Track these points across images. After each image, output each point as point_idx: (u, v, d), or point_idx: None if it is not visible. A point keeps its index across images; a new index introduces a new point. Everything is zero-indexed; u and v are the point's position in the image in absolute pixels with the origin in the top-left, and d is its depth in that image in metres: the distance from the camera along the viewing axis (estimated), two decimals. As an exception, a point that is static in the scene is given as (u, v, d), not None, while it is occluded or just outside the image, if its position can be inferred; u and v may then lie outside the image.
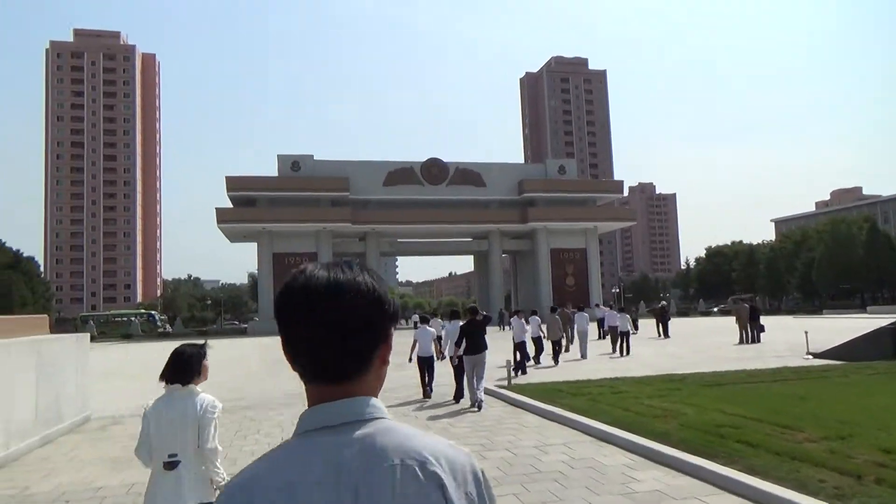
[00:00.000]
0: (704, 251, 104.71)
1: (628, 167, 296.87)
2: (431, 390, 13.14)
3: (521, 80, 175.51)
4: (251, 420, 11.12)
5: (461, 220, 68.81)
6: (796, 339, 24.88)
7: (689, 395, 10.99)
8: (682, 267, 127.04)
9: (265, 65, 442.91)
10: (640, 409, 9.88)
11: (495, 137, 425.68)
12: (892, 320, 16.58)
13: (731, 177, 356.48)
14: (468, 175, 70.29)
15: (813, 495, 5.40)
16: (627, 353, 21.06)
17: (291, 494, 0.96)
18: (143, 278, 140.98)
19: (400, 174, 68.76)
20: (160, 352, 33.30)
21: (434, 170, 69.40)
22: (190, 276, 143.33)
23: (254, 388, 15.87)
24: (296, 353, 1.07)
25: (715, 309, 76.89)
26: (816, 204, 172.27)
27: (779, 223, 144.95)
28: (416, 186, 68.69)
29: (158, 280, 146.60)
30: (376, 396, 1.08)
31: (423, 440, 1.02)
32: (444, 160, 70.07)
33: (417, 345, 13.41)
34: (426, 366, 13.04)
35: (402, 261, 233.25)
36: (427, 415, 11.54)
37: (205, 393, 3.68)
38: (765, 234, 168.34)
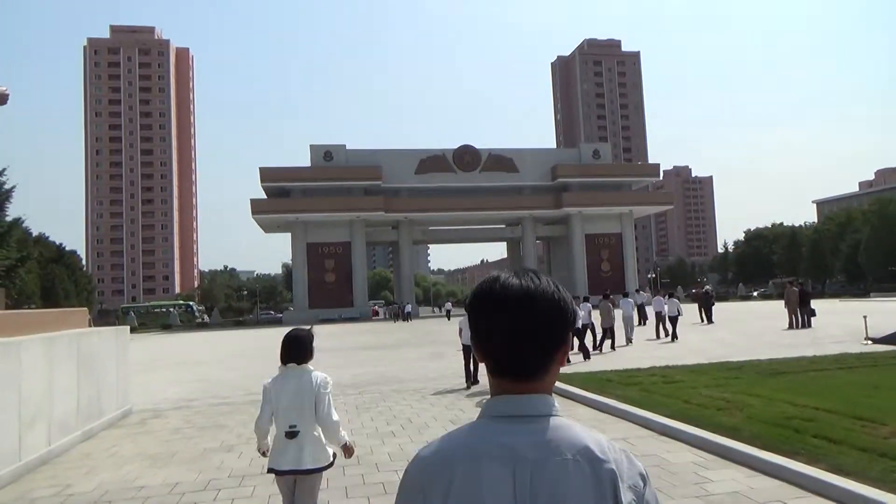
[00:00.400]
0: (743, 234, 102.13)
1: (663, 150, 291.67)
2: (476, 378, 13.01)
3: (553, 64, 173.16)
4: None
5: (494, 206, 68.14)
6: (849, 322, 23.92)
7: (750, 385, 10.37)
8: (720, 251, 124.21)
9: (296, 56, 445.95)
10: (699, 400, 9.31)
11: (528, 123, 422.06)
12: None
13: (769, 159, 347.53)
14: (501, 161, 69.49)
15: (919, 500, 4.84)
16: (675, 338, 20.48)
17: (477, 467, 1.11)
18: (180, 270, 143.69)
19: (432, 162, 68.31)
20: (199, 341, 33.65)
21: (466, 157, 68.78)
22: (226, 267, 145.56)
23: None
24: (488, 351, 1.22)
25: (755, 293, 74.96)
26: (860, 184, 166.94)
27: (821, 204, 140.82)
28: (448, 174, 68.20)
29: (196, 271, 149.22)
30: (551, 393, 1.23)
31: (595, 440, 1.15)
32: (477, 147, 69.38)
33: (462, 332, 13.30)
34: (471, 353, 12.76)
35: (433, 249, 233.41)
36: (475, 401, 11.25)
37: (317, 371, 4.10)
38: (806, 215, 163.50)
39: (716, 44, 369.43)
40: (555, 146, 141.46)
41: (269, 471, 4.01)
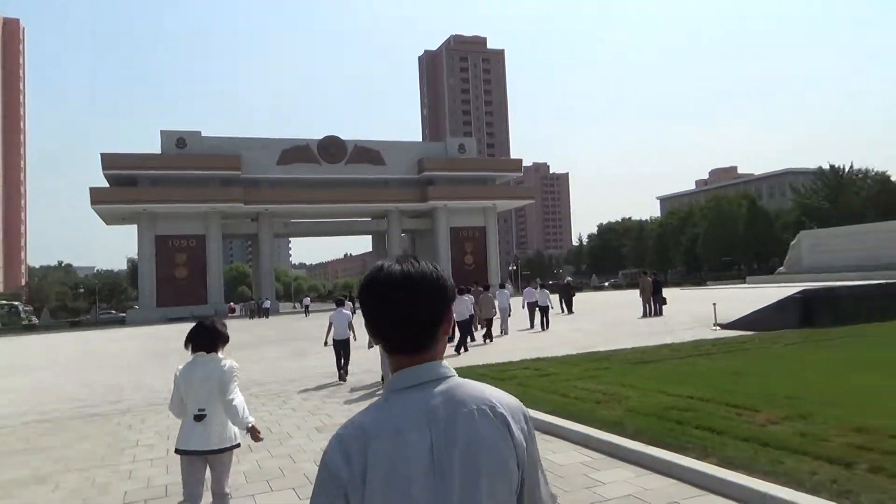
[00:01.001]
0: (596, 228, 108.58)
1: (524, 147, 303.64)
2: (346, 374, 12.75)
3: (420, 58, 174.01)
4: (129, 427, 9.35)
5: (360, 199, 66.87)
6: (694, 309, 25.62)
7: (622, 375, 10.35)
8: (575, 244, 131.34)
9: (162, 40, 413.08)
10: (577, 393, 9.07)
11: (395, 116, 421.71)
12: (801, 288, 16.97)
13: (618, 157, 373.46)
14: (367, 153, 68.31)
15: (814, 493, 4.66)
16: (547, 326, 21.14)
17: (400, 436, 1.28)
18: (4, 265, 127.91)
19: (295, 152, 65.68)
20: (23, 347, 29.42)
21: (332, 148, 66.86)
22: (60, 263, 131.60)
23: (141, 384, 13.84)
24: (380, 331, 1.38)
25: (606, 284, 79.89)
26: (696, 182, 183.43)
27: (664, 200, 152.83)
28: (312, 165, 65.92)
29: (23, 268, 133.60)
30: (443, 358, 1.41)
31: (489, 390, 1.38)
32: (343, 138, 67.65)
33: (333, 328, 12.91)
34: (341, 349, 12.68)
35: (295, 242, 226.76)
36: (343, 398, 10.50)
37: (226, 359, 4.39)
38: (652, 211, 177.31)
39: (574, 46, 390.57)
40: (421, 139, 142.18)
41: (176, 451, 4.27)
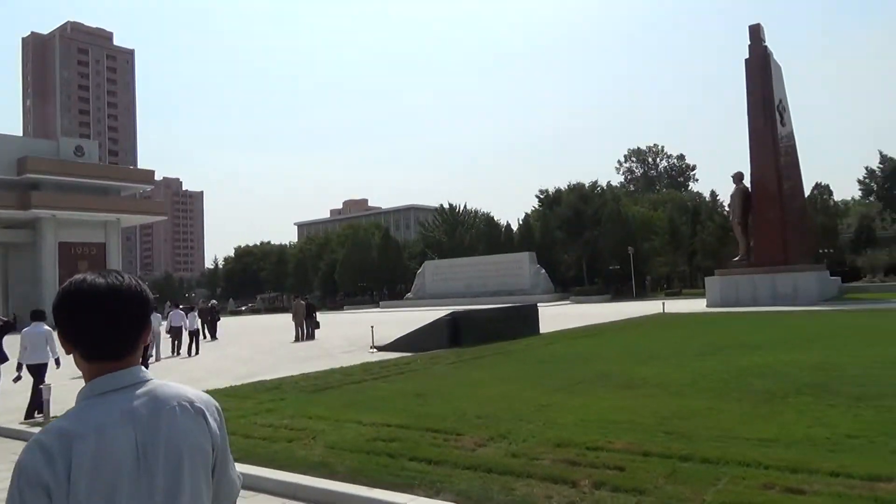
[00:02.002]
0: (234, 251, 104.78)
1: (155, 160, 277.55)
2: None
3: (26, 39, 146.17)
4: None
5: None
6: (347, 333, 26.04)
7: (304, 405, 9.37)
8: (209, 266, 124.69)
9: None
10: (261, 432, 7.78)
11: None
12: (450, 311, 18.21)
13: (257, 180, 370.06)
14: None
15: (565, 521, 4.43)
16: (197, 352, 18.93)
17: (102, 434, 1.34)
18: None
19: None
20: None
21: None
22: None
23: None
24: (79, 340, 1.45)
25: (244, 308, 77.36)
26: (331, 211, 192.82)
27: (301, 226, 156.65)
28: None
29: None
30: (139, 365, 1.51)
31: (186, 389, 1.53)
32: None
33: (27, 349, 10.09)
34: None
35: None
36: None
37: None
38: (290, 235, 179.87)
39: (216, 60, 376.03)
40: (23, 134, 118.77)
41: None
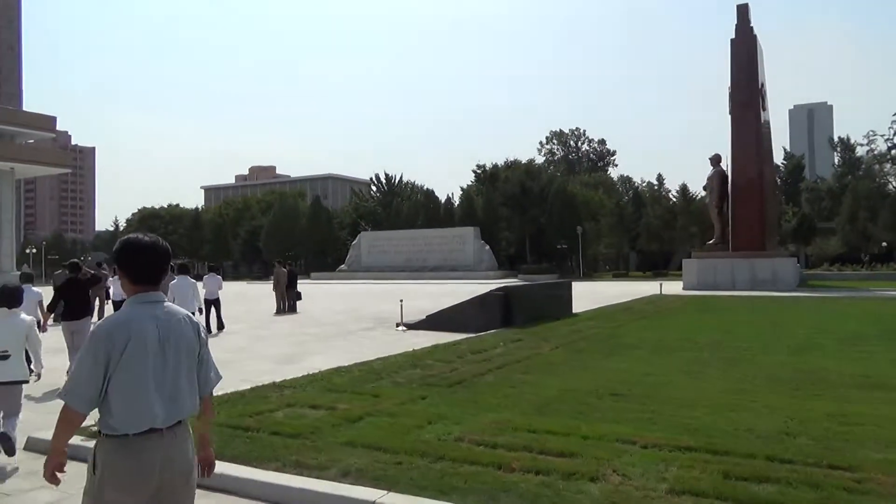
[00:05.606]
0: (137, 213, 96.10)
1: (40, 109, 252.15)
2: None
3: None
4: None
5: None
6: (330, 305, 23.08)
7: (474, 399, 6.70)
8: (109, 228, 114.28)
9: None
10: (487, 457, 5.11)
11: None
12: (501, 285, 15.73)
13: (155, 142, 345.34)
14: None
15: None
16: (222, 327, 16.02)
17: (140, 324, 2.44)
18: None
19: None
20: None
21: None
22: None
23: None
24: (132, 271, 2.53)
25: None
26: (236, 177, 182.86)
27: (209, 190, 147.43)
28: None
29: None
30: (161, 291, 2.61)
31: (187, 312, 2.69)
32: None
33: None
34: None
35: None
36: None
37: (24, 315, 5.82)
38: (196, 200, 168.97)
39: (102, 12, 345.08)
40: None
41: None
